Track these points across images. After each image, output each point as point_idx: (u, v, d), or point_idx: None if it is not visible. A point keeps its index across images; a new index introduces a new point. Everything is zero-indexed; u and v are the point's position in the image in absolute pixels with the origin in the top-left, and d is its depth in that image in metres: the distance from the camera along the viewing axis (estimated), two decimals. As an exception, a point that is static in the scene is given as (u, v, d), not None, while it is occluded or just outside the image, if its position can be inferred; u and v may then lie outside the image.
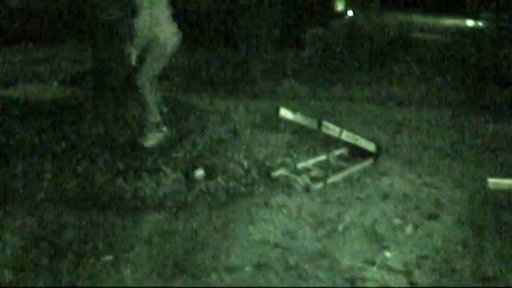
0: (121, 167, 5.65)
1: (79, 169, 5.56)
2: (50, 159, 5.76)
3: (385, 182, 5.62)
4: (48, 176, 5.40)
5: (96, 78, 7.47)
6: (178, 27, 6.22)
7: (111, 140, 6.34)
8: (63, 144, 6.17)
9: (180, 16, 6.34)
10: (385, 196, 5.28)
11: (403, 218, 4.85)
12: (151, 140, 6.24)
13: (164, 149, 6.16)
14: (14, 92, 8.97)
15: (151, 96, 6.17)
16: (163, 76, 9.60)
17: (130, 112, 7.03)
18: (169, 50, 6.14)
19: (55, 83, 9.56)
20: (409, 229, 4.67)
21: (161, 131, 6.33)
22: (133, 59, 6.00)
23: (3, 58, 12.52)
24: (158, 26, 5.97)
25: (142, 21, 5.87)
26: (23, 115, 7.23)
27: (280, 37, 12.03)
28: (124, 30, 7.04)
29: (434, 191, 5.47)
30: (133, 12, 6.00)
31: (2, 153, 5.98)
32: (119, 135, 6.46)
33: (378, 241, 4.46)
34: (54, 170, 5.53)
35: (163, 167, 5.66)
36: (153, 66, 6.11)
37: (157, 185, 5.30)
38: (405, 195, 5.32)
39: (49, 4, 23.48)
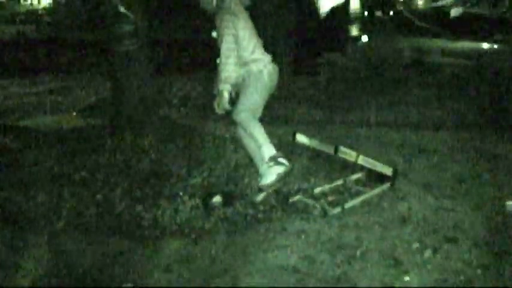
0: (139, 194, 5.69)
1: (98, 197, 5.61)
2: (69, 188, 5.82)
3: (403, 206, 5.59)
4: (68, 204, 5.46)
5: (113, 107, 7.56)
6: (198, 54, 6.06)
7: (129, 168, 6.39)
8: (82, 173, 6.23)
9: (197, 43, 6.38)
10: (404, 220, 5.26)
11: (421, 241, 4.83)
12: (272, 176, 5.41)
13: (181, 176, 6.20)
14: (33, 122, 9.09)
15: (260, 130, 5.46)
16: (179, 104, 9.77)
17: (147, 141, 7.09)
18: (266, 78, 5.40)
19: (73, 113, 9.67)
20: (428, 253, 4.64)
21: (280, 164, 5.45)
22: (225, 101, 5.25)
23: (22, 88, 12.72)
24: (248, 55, 5.34)
25: (225, 51, 5.16)
26: (42, 144, 7.32)
27: (294, 63, 12.11)
28: (140, 60, 7.14)
29: (452, 214, 5.44)
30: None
31: (22, 182, 6.05)
32: (136, 163, 6.51)
33: (397, 265, 4.44)
34: (74, 198, 5.59)
35: (181, 194, 5.69)
36: (255, 99, 5.40)
37: (176, 212, 5.32)
38: (424, 218, 5.29)
39: (67, 35, 23.87)
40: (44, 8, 33.27)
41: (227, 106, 5.30)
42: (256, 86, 5.36)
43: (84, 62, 16.14)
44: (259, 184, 5.48)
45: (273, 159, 5.39)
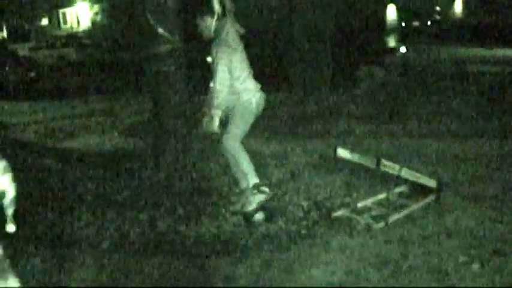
0: (182, 213, 5.72)
1: (142, 217, 5.66)
2: (113, 208, 5.89)
3: (449, 218, 5.49)
4: (112, 224, 5.52)
5: (154, 126, 7.64)
6: None
7: (171, 187, 6.43)
8: (126, 193, 6.30)
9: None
10: (449, 233, 5.16)
11: (468, 255, 4.73)
12: (252, 203, 5.57)
13: (223, 194, 6.22)
14: (77, 143, 9.26)
15: (245, 157, 5.62)
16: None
17: (188, 159, 7.13)
18: (254, 106, 5.62)
19: (115, 133, 9.81)
20: (475, 266, 4.55)
21: (262, 192, 5.64)
22: (215, 124, 5.44)
23: (65, 111, 12.96)
24: (239, 83, 5.55)
25: (222, 78, 5.40)
26: (86, 165, 7.43)
27: (333, 76, 12.09)
28: (177, 80, 7.21)
29: (499, 225, 5.32)
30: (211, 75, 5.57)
31: (66, 203, 6.15)
32: (178, 182, 6.55)
33: (444, 280, 4.36)
34: (118, 218, 5.64)
35: (224, 212, 5.70)
36: (241, 126, 5.60)
37: (218, 229, 5.34)
38: (470, 231, 5.19)
39: (107, 56, 24.29)
40: (84, 31, 33.91)
41: (216, 129, 5.50)
42: (244, 114, 5.60)
43: (123, 82, 16.40)
44: (242, 210, 5.62)
45: (256, 187, 5.61)
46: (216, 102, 5.41)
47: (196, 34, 5.74)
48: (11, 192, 2.44)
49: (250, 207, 5.55)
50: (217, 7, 5.43)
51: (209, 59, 5.61)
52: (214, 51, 5.48)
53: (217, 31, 5.53)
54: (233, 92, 5.52)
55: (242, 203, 5.68)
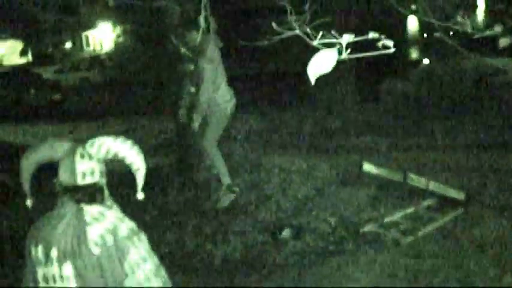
0: (209, 231, 5.72)
1: (169, 236, 5.67)
2: (140, 228, 5.89)
3: (478, 230, 5.41)
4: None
5: (179, 146, 7.68)
6: (259, 90, 6.37)
7: (197, 206, 6.44)
8: (152, 212, 6.32)
9: (258, 79, 6.46)
10: (480, 246, 5.09)
11: (500, 267, 4.66)
12: (225, 202, 6.32)
13: (249, 211, 6.21)
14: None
15: (220, 158, 6.35)
16: (243, 139, 9.82)
17: (213, 177, 7.14)
18: (229, 112, 6.37)
19: (140, 153, 9.85)
20: (507, 279, 4.48)
21: (233, 192, 6.40)
22: (196, 126, 6.18)
23: (90, 132, 13.07)
24: (217, 91, 6.22)
25: (206, 89, 6.08)
26: (111, 186, 7.45)
27: (356, 90, 12.04)
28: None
29: (530, 237, 5.23)
30: (194, 81, 6.32)
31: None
32: (204, 201, 6.56)
33: (477, 294, 4.30)
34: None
35: (250, 230, 5.69)
36: (217, 129, 6.34)
37: (246, 247, 5.32)
38: (500, 243, 5.11)
39: (130, 77, 24.49)
40: (107, 53, 34.28)
41: (196, 128, 6.19)
42: (220, 119, 6.32)
43: (147, 103, 16.52)
44: (216, 206, 6.35)
45: (229, 187, 6.34)
46: (200, 108, 6.10)
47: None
48: (139, 163, 2.61)
49: (223, 205, 6.27)
50: (202, 24, 5.69)
51: (192, 67, 6.33)
52: (200, 65, 6.10)
53: (202, 45, 6.10)
54: (213, 100, 6.18)
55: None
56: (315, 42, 2.98)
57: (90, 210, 2.41)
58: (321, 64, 2.34)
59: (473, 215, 5.77)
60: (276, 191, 6.78)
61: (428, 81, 14.60)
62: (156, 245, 5.32)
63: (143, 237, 2.55)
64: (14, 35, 39.36)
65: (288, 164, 7.85)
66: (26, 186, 2.64)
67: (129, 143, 2.57)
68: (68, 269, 2.30)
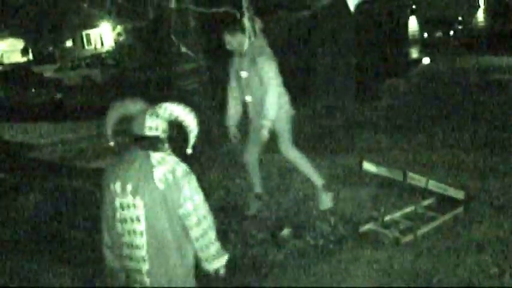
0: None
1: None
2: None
3: (478, 230, 5.42)
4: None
5: (179, 144, 7.70)
6: None
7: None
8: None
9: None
10: (479, 245, 5.10)
11: (499, 266, 4.67)
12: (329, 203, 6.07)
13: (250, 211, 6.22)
14: (105, 163, 9.31)
15: (304, 159, 6.08)
16: (243, 137, 9.82)
17: (214, 176, 7.16)
18: (290, 114, 5.96)
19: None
20: (507, 277, 4.49)
21: (259, 198, 6.26)
22: (267, 133, 5.63)
23: (92, 131, 13.07)
24: (283, 95, 5.83)
25: (274, 90, 5.62)
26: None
27: (356, 89, 12.04)
28: (202, 98, 7.27)
29: (530, 236, 5.25)
30: (246, 89, 5.82)
31: (97, 224, 6.19)
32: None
33: (476, 293, 4.31)
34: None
35: (250, 228, 5.70)
36: (289, 131, 5.96)
37: (246, 246, 5.33)
38: (500, 242, 5.12)
39: (131, 76, 24.49)
40: (107, 51, 34.27)
41: (266, 138, 5.66)
42: (288, 120, 5.91)
43: (147, 101, 16.52)
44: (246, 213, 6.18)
45: (324, 187, 6.08)
46: (271, 114, 5.59)
47: (222, 50, 5.95)
48: (193, 126, 3.23)
49: (324, 207, 5.99)
50: (247, 25, 5.55)
51: (244, 74, 5.76)
52: (262, 67, 5.61)
53: (255, 48, 5.70)
54: (280, 104, 5.73)
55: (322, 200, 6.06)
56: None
57: (155, 156, 3.12)
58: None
59: (472, 214, 5.78)
60: (276, 189, 6.79)
61: (429, 80, 14.63)
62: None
63: (193, 177, 3.19)
64: (14, 34, 39.42)
65: (288, 162, 7.85)
66: (109, 131, 3.39)
67: (187, 109, 3.22)
68: (139, 200, 3.06)
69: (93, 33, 41.68)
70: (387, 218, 5.76)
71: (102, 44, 40.78)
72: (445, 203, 6.00)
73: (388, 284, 4.52)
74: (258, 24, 5.78)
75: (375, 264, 4.86)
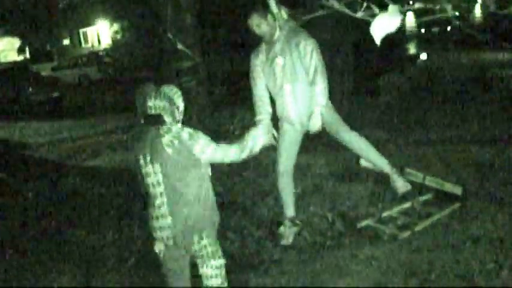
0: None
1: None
2: (138, 225, 5.91)
3: (475, 225, 5.42)
4: (138, 242, 5.54)
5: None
6: None
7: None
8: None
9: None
10: (477, 240, 5.10)
11: (497, 261, 4.67)
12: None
13: (247, 207, 6.22)
14: (101, 161, 9.32)
15: (365, 143, 5.72)
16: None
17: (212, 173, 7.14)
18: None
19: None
20: (505, 273, 4.49)
21: (297, 225, 5.58)
22: (320, 121, 5.23)
23: (89, 129, 13.08)
24: None
25: (324, 75, 5.16)
26: (110, 183, 7.48)
27: (354, 85, 12.03)
28: (199, 95, 7.25)
29: (528, 231, 5.25)
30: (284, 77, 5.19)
31: (91, 221, 6.20)
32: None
33: (474, 288, 4.32)
34: (143, 235, 5.67)
35: (248, 225, 5.70)
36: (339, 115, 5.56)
37: (244, 243, 5.33)
38: (497, 237, 5.12)
39: (128, 74, 24.45)
40: (105, 50, 34.24)
41: (320, 126, 5.27)
42: (332, 105, 5.41)
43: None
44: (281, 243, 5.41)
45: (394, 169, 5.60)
46: (324, 99, 5.15)
47: (223, 46, 5.64)
48: (179, 102, 3.74)
49: (403, 190, 5.53)
50: (274, 8, 5.08)
51: (280, 60, 5.15)
52: (308, 49, 5.06)
53: (290, 31, 5.11)
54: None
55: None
56: (359, 14, 2.95)
57: (163, 128, 3.58)
58: (386, 25, 2.39)
59: (470, 210, 5.78)
60: (273, 186, 6.78)
61: (426, 76, 14.62)
62: (153, 243, 5.35)
63: (200, 134, 3.68)
64: (11, 32, 39.33)
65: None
66: (139, 111, 3.75)
67: (176, 90, 3.75)
68: (157, 166, 3.57)
69: (91, 31, 41.57)
70: (384, 214, 5.77)
71: (99, 42, 40.69)
72: (442, 198, 6.00)
73: (386, 280, 4.52)
74: (284, 9, 5.22)
75: (373, 261, 4.86)
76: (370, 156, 5.62)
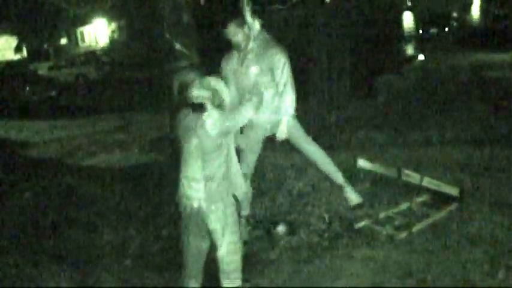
0: (204, 227, 5.70)
1: (163, 233, 5.67)
2: (135, 224, 5.90)
3: (472, 226, 5.42)
4: (134, 241, 5.53)
5: (174, 142, 7.68)
6: None
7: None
8: (147, 209, 6.32)
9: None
10: (474, 241, 5.10)
11: (494, 263, 4.67)
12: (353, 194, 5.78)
13: (244, 207, 6.20)
14: (98, 161, 9.31)
15: (322, 153, 5.81)
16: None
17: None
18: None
19: (135, 150, 9.85)
20: (501, 274, 4.49)
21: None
22: (286, 130, 5.52)
23: (85, 128, 13.06)
24: None
25: (293, 87, 5.52)
26: (107, 182, 7.47)
27: (352, 86, 12.04)
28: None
29: (524, 233, 5.24)
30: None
31: (88, 220, 6.18)
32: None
33: (471, 289, 4.31)
34: (140, 234, 5.66)
35: (245, 225, 5.68)
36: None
37: (241, 243, 5.31)
38: (494, 238, 5.12)
39: (125, 73, 24.42)
40: (102, 49, 34.21)
41: (285, 136, 5.49)
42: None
43: (142, 99, 16.49)
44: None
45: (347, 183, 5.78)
46: (293, 109, 5.49)
47: (217, 47, 5.69)
48: (225, 95, 4.23)
49: (354, 202, 5.69)
50: (249, 19, 5.27)
51: (254, 70, 5.32)
52: (279, 60, 5.29)
53: (263, 42, 5.32)
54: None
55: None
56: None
57: (205, 113, 4.02)
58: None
59: (467, 211, 5.78)
60: (270, 186, 6.78)
61: (423, 77, 14.62)
62: (150, 242, 5.36)
63: (221, 120, 4.05)
64: (8, 31, 39.25)
65: (283, 160, 7.85)
66: (176, 93, 4.48)
67: (222, 82, 4.23)
68: (194, 141, 4.12)
69: (88, 30, 41.52)
70: (382, 214, 5.77)
71: (96, 41, 40.65)
72: (439, 199, 6.00)
73: (383, 280, 4.51)
74: (257, 20, 5.40)
75: (370, 261, 4.85)
76: (326, 168, 5.77)
